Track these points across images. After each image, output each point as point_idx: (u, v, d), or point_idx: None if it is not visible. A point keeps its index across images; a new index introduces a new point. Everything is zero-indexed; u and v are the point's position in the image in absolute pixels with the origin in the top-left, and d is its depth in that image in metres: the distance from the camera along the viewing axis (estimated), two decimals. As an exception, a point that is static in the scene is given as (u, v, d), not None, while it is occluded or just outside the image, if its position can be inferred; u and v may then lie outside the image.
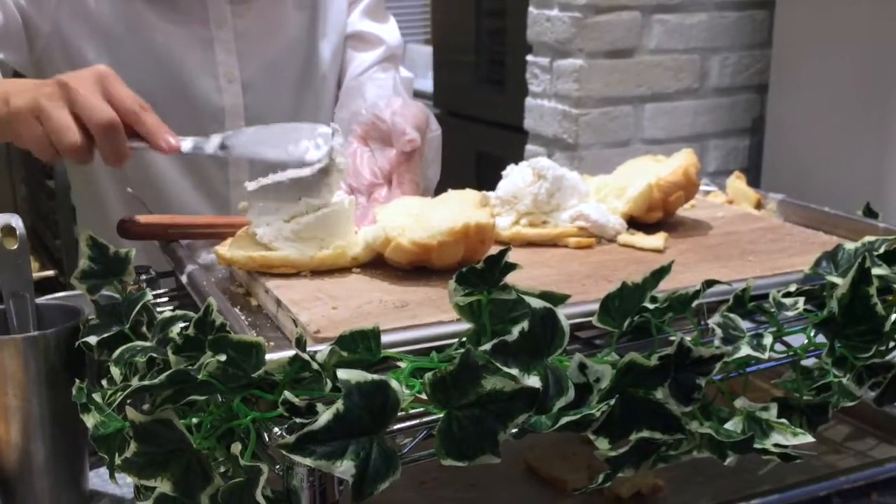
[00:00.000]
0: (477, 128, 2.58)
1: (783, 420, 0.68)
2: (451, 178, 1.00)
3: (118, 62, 1.13)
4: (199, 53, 1.19)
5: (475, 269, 0.62)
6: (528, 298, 0.61)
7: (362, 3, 1.34)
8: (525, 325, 0.60)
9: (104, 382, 0.74)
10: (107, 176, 1.23)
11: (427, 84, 2.96)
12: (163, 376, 0.58)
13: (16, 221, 0.81)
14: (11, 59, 1.16)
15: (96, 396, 0.70)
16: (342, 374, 0.56)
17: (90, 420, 0.69)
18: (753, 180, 1.13)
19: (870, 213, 1.01)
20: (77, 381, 0.73)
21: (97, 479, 0.87)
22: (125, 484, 0.84)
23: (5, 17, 1.11)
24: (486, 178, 0.95)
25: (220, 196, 1.25)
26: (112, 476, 0.68)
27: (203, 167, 1.24)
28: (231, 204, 1.25)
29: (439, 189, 0.94)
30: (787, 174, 1.97)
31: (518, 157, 1.56)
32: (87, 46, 1.15)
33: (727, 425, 0.67)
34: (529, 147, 2.14)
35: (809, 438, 0.67)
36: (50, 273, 2.65)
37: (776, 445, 0.66)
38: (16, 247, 0.80)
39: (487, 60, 2.52)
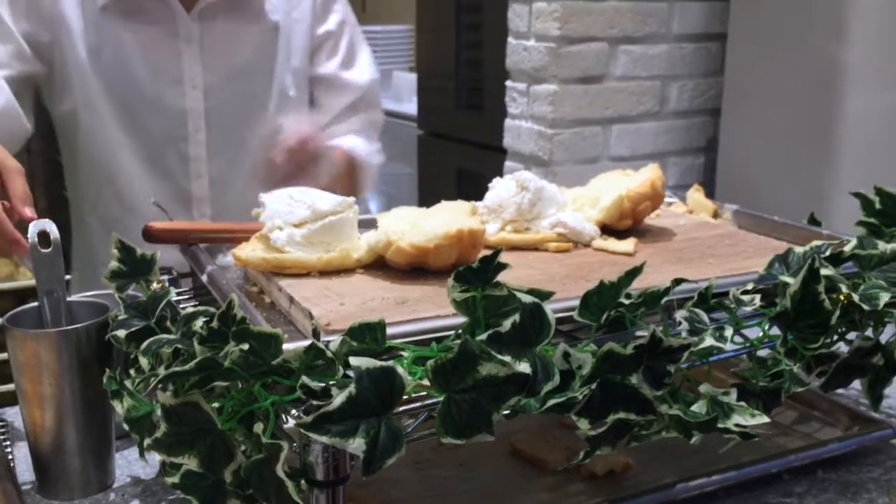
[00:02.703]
0: (458, 147, 2.60)
1: (742, 403, 0.69)
2: (435, 193, 1.01)
3: (98, 69, 1.22)
4: (168, 63, 1.23)
5: (471, 268, 0.63)
6: (518, 294, 0.63)
7: (333, 54, 1.36)
8: (516, 317, 0.61)
9: (132, 372, 0.74)
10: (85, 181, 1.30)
11: (412, 108, 2.97)
12: (192, 363, 0.59)
13: (50, 227, 0.81)
14: (30, 70, 1.22)
15: (128, 384, 0.70)
16: (354, 361, 0.57)
17: (121, 405, 0.70)
18: (708, 193, 1.15)
19: (814, 221, 1.03)
20: (107, 370, 0.74)
21: (122, 460, 0.87)
22: (150, 465, 0.84)
23: (12, 38, 1.19)
24: (467, 193, 0.97)
25: (182, 189, 1.28)
26: (142, 455, 0.69)
27: (163, 162, 1.27)
28: (193, 196, 1.29)
29: (429, 203, 0.96)
30: (739, 187, 2.00)
31: (496, 174, 1.57)
32: (74, 55, 1.21)
33: (693, 408, 0.69)
34: (508, 163, 2.15)
35: (766, 419, 0.68)
36: (68, 277, 2.63)
37: (737, 425, 0.67)
38: (50, 249, 0.81)
39: (467, 86, 2.54)
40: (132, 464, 0.87)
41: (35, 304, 0.83)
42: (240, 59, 1.27)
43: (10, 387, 0.82)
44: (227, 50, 1.26)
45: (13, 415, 0.93)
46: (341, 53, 1.37)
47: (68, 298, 0.84)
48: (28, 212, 0.89)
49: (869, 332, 0.80)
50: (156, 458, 0.64)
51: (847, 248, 0.81)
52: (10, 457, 0.85)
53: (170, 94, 1.24)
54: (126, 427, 0.69)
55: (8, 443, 0.88)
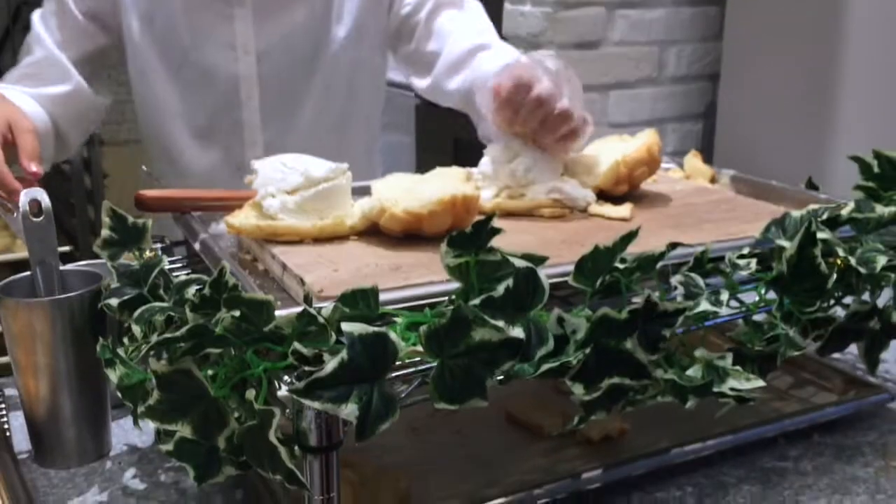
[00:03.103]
0: (455, 116, 2.57)
1: (738, 367, 0.69)
2: (432, 162, 1.00)
3: (150, 36, 1.21)
4: (220, 27, 1.21)
5: (464, 233, 0.62)
6: (512, 259, 0.62)
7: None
8: (510, 282, 0.61)
9: (125, 340, 0.74)
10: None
11: (409, 76, 2.94)
12: (183, 330, 0.58)
13: (41, 196, 0.80)
14: (98, 44, 1.23)
15: (120, 352, 0.70)
16: (346, 326, 0.56)
17: (115, 373, 0.69)
18: (707, 159, 1.14)
19: (811, 185, 1.02)
20: (101, 339, 0.73)
21: (118, 429, 0.87)
22: (145, 433, 0.85)
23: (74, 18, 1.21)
24: (464, 163, 0.96)
25: (236, 157, 1.25)
26: (136, 422, 0.69)
27: (216, 130, 1.25)
28: (246, 164, 1.24)
29: (425, 169, 0.95)
30: (737, 153, 1.99)
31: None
32: (128, 21, 1.21)
33: (688, 372, 0.68)
34: (504, 131, 2.14)
35: (761, 383, 0.68)
36: (66, 248, 2.63)
37: (732, 389, 0.67)
38: (42, 219, 0.80)
39: (465, 54, 2.51)
40: (128, 432, 0.87)
41: (28, 273, 0.82)
42: (292, 22, 1.23)
43: (5, 357, 0.81)
44: (279, 13, 1.22)
45: (8, 385, 0.93)
46: None
47: (61, 268, 0.83)
48: (33, 166, 0.92)
49: (866, 296, 0.80)
50: (151, 426, 0.63)
51: (844, 212, 0.81)
52: (5, 427, 0.85)
53: (222, 60, 1.21)
54: (119, 395, 0.69)
55: (4, 413, 0.88)
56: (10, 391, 0.91)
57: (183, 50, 1.21)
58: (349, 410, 0.55)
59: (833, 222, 0.79)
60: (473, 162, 0.97)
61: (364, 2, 1.26)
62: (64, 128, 1.22)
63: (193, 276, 0.72)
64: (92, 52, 1.23)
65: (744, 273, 0.73)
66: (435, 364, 0.58)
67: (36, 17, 1.24)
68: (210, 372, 0.62)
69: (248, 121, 1.25)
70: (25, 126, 0.96)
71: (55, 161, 1.27)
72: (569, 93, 0.91)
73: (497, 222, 0.63)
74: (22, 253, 1.91)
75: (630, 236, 0.68)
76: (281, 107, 1.26)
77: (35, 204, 0.80)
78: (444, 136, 2.65)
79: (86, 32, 1.22)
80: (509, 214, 0.90)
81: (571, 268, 0.67)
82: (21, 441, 0.85)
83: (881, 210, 0.80)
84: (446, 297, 0.64)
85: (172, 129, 1.26)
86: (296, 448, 0.60)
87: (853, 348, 0.84)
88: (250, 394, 0.59)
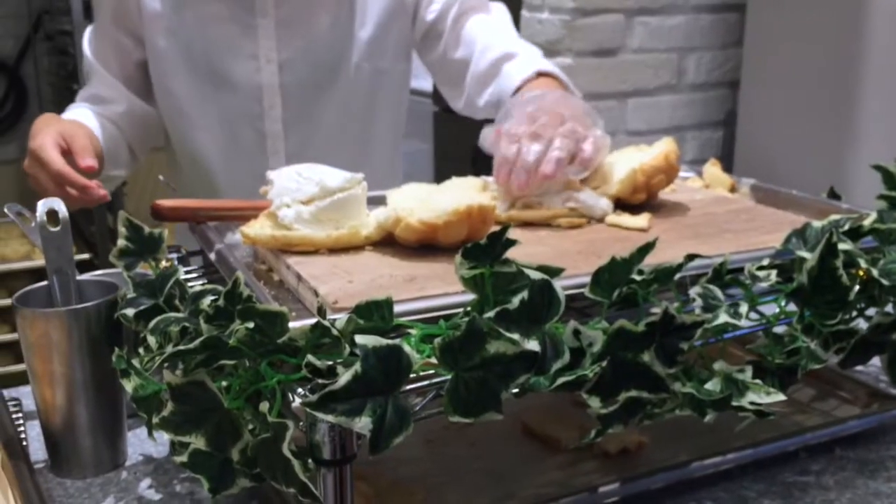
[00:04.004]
0: (473, 124, 2.58)
1: (757, 381, 0.68)
2: (450, 170, 1.00)
3: (174, 48, 1.22)
4: (243, 38, 1.22)
5: (479, 244, 0.62)
6: (527, 271, 0.62)
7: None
8: (525, 294, 0.60)
9: (141, 350, 0.74)
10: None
11: (427, 84, 2.94)
12: (197, 342, 0.58)
13: (58, 206, 0.81)
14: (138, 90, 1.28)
15: (135, 363, 0.70)
16: (360, 339, 0.56)
17: (130, 384, 0.70)
18: (727, 167, 1.13)
19: (833, 195, 1.01)
20: (116, 349, 0.74)
21: (134, 438, 0.88)
22: (161, 444, 0.85)
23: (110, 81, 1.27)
24: (482, 170, 0.95)
25: (259, 167, 1.24)
26: (150, 434, 0.69)
27: (240, 140, 1.26)
28: None
29: (444, 179, 0.94)
30: (757, 162, 1.97)
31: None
32: (152, 36, 1.23)
33: (707, 386, 0.68)
34: (522, 139, 2.13)
35: (781, 396, 0.67)
36: (86, 256, 2.65)
37: (752, 403, 0.66)
38: (59, 228, 0.80)
39: (483, 61, 2.51)
40: (144, 442, 0.87)
41: (45, 283, 0.83)
42: (315, 31, 1.23)
43: (22, 366, 0.82)
44: (302, 22, 1.23)
45: (25, 394, 0.93)
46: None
47: (78, 277, 0.84)
48: (88, 160, 1.00)
49: (889, 308, 0.79)
50: (165, 436, 0.64)
51: (866, 223, 0.80)
52: (22, 436, 0.86)
53: (244, 70, 1.22)
54: (134, 406, 0.69)
55: (20, 422, 0.88)
56: (27, 401, 0.92)
57: (207, 61, 1.22)
58: (363, 424, 0.55)
59: (855, 233, 0.78)
60: (491, 169, 0.96)
61: (388, 9, 1.26)
62: (130, 142, 1.26)
63: (209, 286, 0.72)
64: (136, 66, 1.26)
65: (764, 285, 0.73)
66: (449, 377, 0.58)
67: (85, 41, 1.28)
68: (224, 383, 0.62)
69: (271, 130, 1.25)
70: (79, 131, 1.05)
71: (129, 171, 1.32)
72: (564, 128, 0.92)
73: (512, 233, 0.63)
74: (41, 260, 1.93)
75: (647, 247, 0.67)
76: (303, 116, 1.26)
77: (52, 214, 0.80)
78: (463, 143, 2.64)
79: (125, 49, 1.25)
80: (525, 224, 0.90)
81: (588, 279, 0.67)
82: (37, 450, 0.85)
83: (904, 220, 0.79)
84: (461, 309, 0.64)
85: (197, 140, 1.27)
86: (309, 461, 0.60)
87: (876, 361, 0.83)
88: (264, 406, 0.59)
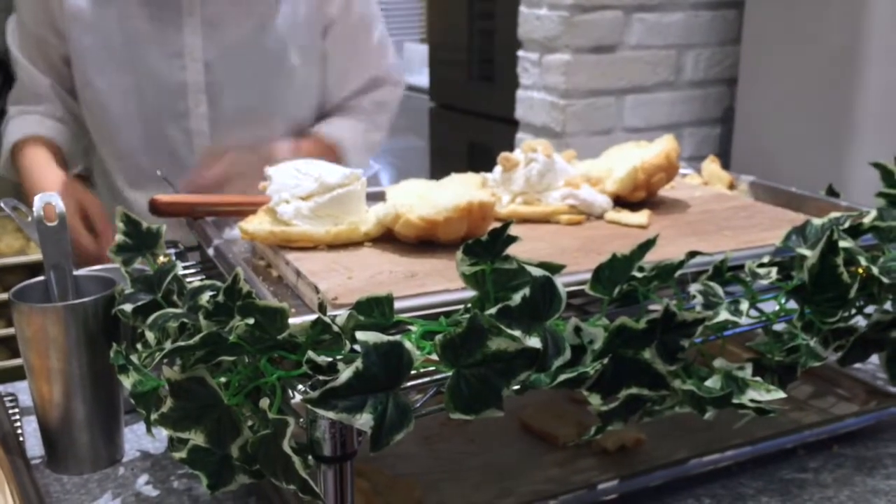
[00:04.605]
0: (469, 120, 2.58)
1: (757, 378, 0.68)
2: (447, 166, 1.00)
3: (99, 43, 1.22)
4: (169, 36, 1.22)
5: (480, 241, 0.62)
6: (528, 268, 0.62)
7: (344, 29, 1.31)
8: (526, 291, 0.60)
9: (139, 346, 0.74)
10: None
11: (423, 80, 2.94)
12: (196, 338, 0.58)
13: (55, 200, 0.81)
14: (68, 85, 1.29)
15: (134, 358, 0.70)
16: (361, 335, 0.56)
17: (128, 380, 0.69)
18: (724, 164, 1.13)
19: (832, 192, 1.01)
20: (114, 345, 0.73)
21: (131, 434, 0.87)
22: (159, 440, 0.85)
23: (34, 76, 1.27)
24: (478, 166, 0.95)
25: (186, 164, 1.27)
26: (149, 430, 0.68)
27: (166, 136, 1.27)
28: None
29: (440, 176, 0.94)
30: (755, 159, 1.98)
31: (507, 147, 1.54)
32: (78, 32, 1.22)
33: (707, 383, 0.68)
34: (520, 135, 2.13)
35: (782, 394, 0.67)
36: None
37: (752, 401, 0.66)
38: (56, 223, 0.80)
39: (479, 58, 2.51)
40: (141, 438, 0.87)
41: (42, 278, 0.82)
42: (242, 33, 1.24)
43: (18, 361, 0.81)
44: (228, 23, 1.23)
45: (22, 389, 0.93)
46: (352, 27, 1.33)
47: (75, 273, 0.84)
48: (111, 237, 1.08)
49: (888, 306, 0.79)
50: (164, 432, 0.63)
51: (866, 220, 0.80)
52: (19, 431, 0.86)
53: (170, 67, 1.23)
54: (132, 402, 0.69)
55: (17, 417, 0.88)
56: (24, 396, 0.91)
57: (132, 57, 1.22)
58: (364, 420, 0.55)
59: (855, 230, 0.78)
60: (488, 166, 0.96)
61: (313, 22, 1.28)
62: (79, 134, 1.28)
63: (207, 282, 0.72)
64: (63, 62, 1.26)
65: (764, 282, 0.73)
66: (450, 373, 0.58)
67: (8, 34, 1.28)
68: (223, 380, 0.62)
69: (196, 128, 1.26)
70: (94, 202, 1.16)
71: (91, 160, 1.34)
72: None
73: (513, 229, 0.63)
74: (36, 255, 1.92)
75: (648, 244, 0.67)
76: (229, 116, 1.27)
77: (49, 209, 0.80)
78: (459, 139, 2.65)
79: (50, 45, 1.24)
80: (525, 221, 0.90)
81: (588, 276, 0.67)
82: (34, 446, 0.85)
83: (904, 218, 0.79)
84: (462, 306, 0.64)
85: (121, 137, 1.27)
86: (310, 458, 0.60)
87: (874, 358, 0.83)
88: (264, 402, 0.59)
